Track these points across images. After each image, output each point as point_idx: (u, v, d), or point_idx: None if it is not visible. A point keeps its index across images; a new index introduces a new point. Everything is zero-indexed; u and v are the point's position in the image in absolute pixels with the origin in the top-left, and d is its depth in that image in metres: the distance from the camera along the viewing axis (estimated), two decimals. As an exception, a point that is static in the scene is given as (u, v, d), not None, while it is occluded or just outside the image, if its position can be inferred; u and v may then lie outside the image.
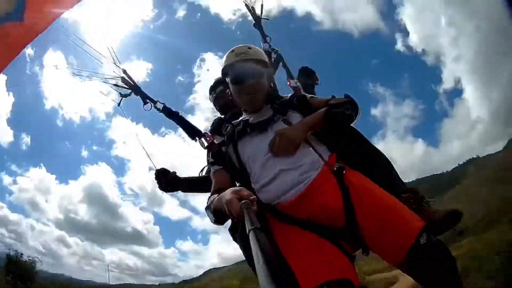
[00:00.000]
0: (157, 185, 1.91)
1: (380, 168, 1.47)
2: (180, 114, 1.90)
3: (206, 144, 1.60)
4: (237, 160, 1.43)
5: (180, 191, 1.98)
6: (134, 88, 1.89)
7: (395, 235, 1.16)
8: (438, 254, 1.15)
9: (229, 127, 1.51)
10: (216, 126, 1.66)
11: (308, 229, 1.22)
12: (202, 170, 2.07)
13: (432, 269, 1.12)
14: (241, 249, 1.76)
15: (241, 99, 1.50)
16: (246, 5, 2.30)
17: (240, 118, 1.55)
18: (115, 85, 1.87)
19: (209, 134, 1.64)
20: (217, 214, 1.22)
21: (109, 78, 1.88)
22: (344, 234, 1.22)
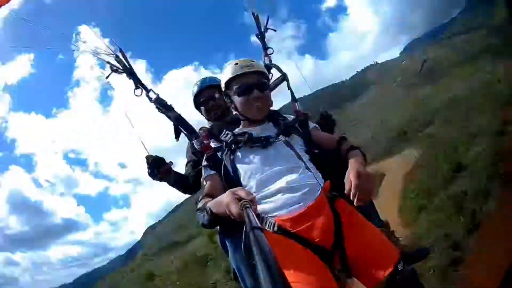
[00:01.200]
0: (146, 171, 1.87)
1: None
2: (174, 108, 1.81)
3: (200, 146, 1.58)
4: (232, 170, 1.44)
5: (165, 182, 1.97)
6: (128, 69, 1.80)
7: (377, 262, 1.25)
8: (411, 281, 1.28)
9: (229, 135, 1.52)
10: (214, 131, 1.65)
11: (303, 244, 1.26)
12: (186, 165, 2.16)
13: None
14: (233, 257, 1.68)
15: (249, 110, 1.53)
16: (253, 13, 2.22)
17: (240, 129, 1.58)
18: (108, 62, 1.80)
19: (204, 134, 1.62)
20: (214, 217, 1.21)
21: (102, 54, 1.81)
22: (330, 256, 1.29)
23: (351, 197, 1.24)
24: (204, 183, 1.49)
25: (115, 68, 1.79)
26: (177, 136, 1.83)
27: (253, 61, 1.56)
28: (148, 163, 1.84)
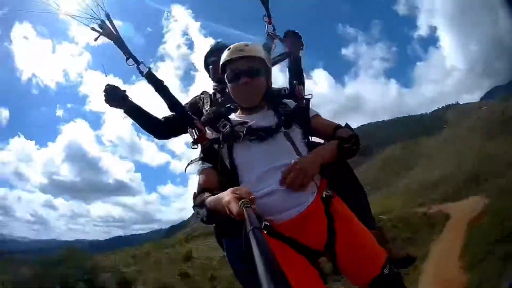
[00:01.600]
0: (104, 99, 1.72)
1: (360, 202, 1.55)
2: (165, 85, 1.72)
3: (196, 136, 1.53)
4: (230, 163, 1.39)
5: (123, 111, 1.79)
6: (114, 36, 1.69)
7: (365, 263, 1.32)
8: (396, 284, 1.36)
9: (227, 126, 1.45)
10: (211, 119, 1.53)
11: (295, 247, 1.29)
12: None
13: None
14: (231, 258, 1.64)
15: (237, 97, 1.50)
16: None
17: (238, 116, 1.52)
18: (92, 28, 1.68)
19: (200, 123, 1.56)
20: (212, 214, 1.21)
21: (89, 18, 1.67)
22: (323, 255, 1.35)
23: (280, 182, 1.30)
24: (200, 176, 1.46)
25: (101, 32, 1.67)
26: (186, 124, 1.71)
27: (247, 45, 1.46)
28: (104, 90, 1.72)
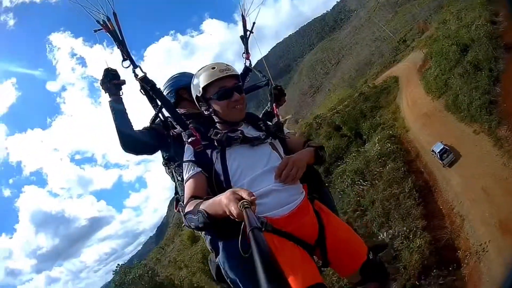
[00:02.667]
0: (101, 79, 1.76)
1: (329, 203, 1.74)
2: (160, 90, 1.77)
3: (190, 139, 1.52)
4: (222, 168, 1.45)
5: (109, 100, 1.76)
6: (116, 36, 1.71)
7: (354, 253, 1.49)
8: (380, 267, 1.57)
9: (219, 133, 1.50)
10: (199, 129, 1.56)
11: (293, 241, 1.39)
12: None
13: (377, 275, 1.52)
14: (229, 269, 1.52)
15: (230, 113, 1.52)
16: (242, 15, 2.19)
17: (216, 128, 1.54)
18: (97, 22, 1.69)
19: (195, 129, 1.55)
20: (210, 219, 1.21)
21: (93, 12, 1.67)
22: (314, 249, 1.46)
23: (275, 178, 1.43)
24: (189, 181, 1.46)
25: (104, 26, 1.69)
26: (153, 122, 1.81)
27: (228, 64, 1.55)
28: (104, 73, 1.75)
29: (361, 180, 13.95)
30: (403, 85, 24.18)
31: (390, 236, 8.29)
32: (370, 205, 11.28)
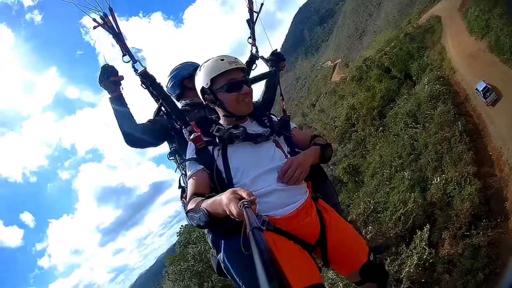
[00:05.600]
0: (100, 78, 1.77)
1: (335, 200, 1.77)
2: (161, 85, 1.78)
3: (192, 136, 1.53)
4: (224, 166, 1.46)
5: (109, 97, 1.81)
6: (114, 31, 1.72)
7: (355, 253, 1.53)
8: (380, 269, 1.61)
9: (221, 129, 1.50)
10: (201, 124, 1.56)
11: (293, 241, 1.41)
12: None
13: (377, 275, 1.57)
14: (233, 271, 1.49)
15: (239, 106, 1.53)
16: None
17: (225, 125, 1.56)
18: (94, 20, 1.71)
19: (197, 124, 1.57)
20: (211, 218, 1.21)
21: (91, 10, 1.67)
22: (314, 249, 1.48)
23: (278, 179, 1.45)
24: (191, 179, 1.47)
25: (102, 23, 1.70)
26: (157, 114, 1.88)
27: (236, 58, 1.54)
28: (100, 70, 1.76)
29: (413, 123, 14.13)
30: (446, 25, 23.91)
31: (443, 181, 7.91)
32: (424, 149, 11.10)
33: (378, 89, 20.26)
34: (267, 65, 2.14)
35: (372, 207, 7.75)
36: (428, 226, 6.34)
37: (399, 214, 6.81)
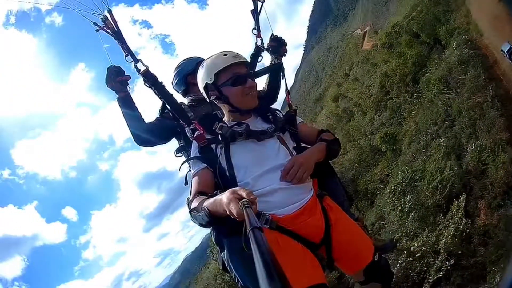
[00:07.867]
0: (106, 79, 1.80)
1: (341, 198, 1.71)
2: (163, 84, 1.78)
3: (194, 134, 1.54)
4: (227, 163, 1.43)
5: (117, 97, 1.84)
6: (115, 32, 1.75)
7: (360, 253, 1.49)
8: (385, 269, 1.60)
9: (224, 127, 1.48)
10: (204, 122, 1.55)
11: (297, 239, 1.37)
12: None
13: (381, 275, 1.55)
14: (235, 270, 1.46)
15: (244, 100, 1.52)
16: None
17: (232, 121, 1.54)
18: (95, 23, 1.73)
19: (199, 122, 1.56)
20: (212, 217, 1.19)
21: (89, 13, 1.70)
22: (319, 248, 1.44)
23: (281, 179, 1.41)
24: (195, 177, 1.45)
25: (102, 26, 1.72)
26: (163, 111, 1.88)
27: (238, 53, 1.53)
28: (107, 72, 1.79)
29: (445, 89, 13.01)
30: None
31: (478, 148, 7.32)
32: (458, 115, 10.34)
33: (409, 55, 20.28)
34: (269, 52, 2.11)
35: (410, 176, 8.22)
36: (464, 195, 6.26)
37: (436, 183, 7.30)
